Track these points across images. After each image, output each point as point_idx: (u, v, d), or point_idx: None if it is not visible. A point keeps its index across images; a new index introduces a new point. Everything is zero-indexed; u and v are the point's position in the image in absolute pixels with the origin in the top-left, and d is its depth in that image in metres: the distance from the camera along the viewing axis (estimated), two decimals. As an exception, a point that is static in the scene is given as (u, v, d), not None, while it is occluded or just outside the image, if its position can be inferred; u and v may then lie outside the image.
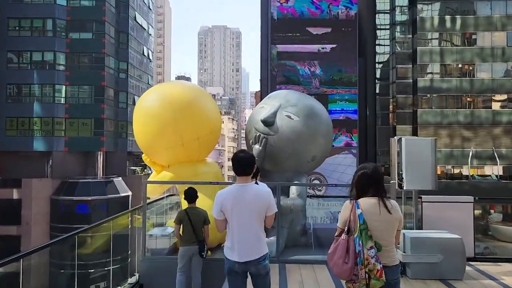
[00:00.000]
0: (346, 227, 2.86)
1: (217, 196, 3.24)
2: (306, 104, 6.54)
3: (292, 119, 6.34)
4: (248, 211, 3.17)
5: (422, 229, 5.91)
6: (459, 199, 6.34)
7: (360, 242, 2.76)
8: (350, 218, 2.85)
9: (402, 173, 5.25)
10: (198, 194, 6.18)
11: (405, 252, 5.06)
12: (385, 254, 2.79)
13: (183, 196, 5.26)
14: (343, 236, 2.84)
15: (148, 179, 6.80)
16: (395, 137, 5.31)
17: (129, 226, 6.49)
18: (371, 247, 2.75)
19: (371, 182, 2.91)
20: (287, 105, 6.45)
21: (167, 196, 7.76)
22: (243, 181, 3.26)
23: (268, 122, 6.32)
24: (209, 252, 5.97)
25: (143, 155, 6.81)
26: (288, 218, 6.23)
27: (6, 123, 33.36)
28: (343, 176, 23.05)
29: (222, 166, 77.88)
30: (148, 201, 7.31)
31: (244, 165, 3.25)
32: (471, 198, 6.33)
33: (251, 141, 6.57)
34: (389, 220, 2.83)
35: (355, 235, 2.79)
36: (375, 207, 2.84)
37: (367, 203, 2.87)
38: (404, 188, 5.28)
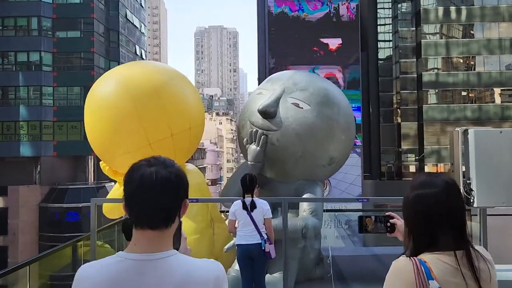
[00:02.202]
0: None
1: None
2: (320, 87, 4.78)
3: (301, 107, 4.59)
4: None
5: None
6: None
7: None
8: None
9: (470, 183, 3.50)
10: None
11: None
12: None
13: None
14: None
15: (109, 195, 5.08)
16: (459, 129, 3.57)
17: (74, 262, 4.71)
18: None
19: (444, 217, 1.42)
20: (293, 89, 4.70)
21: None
22: (152, 243, 1.26)
23: (268, 113, 4.57)
24: None
25: (100, 162, 5.09)
26: (299, 245, 4.49)
27: (-10, 128, 32.01)
28: (346, 177, 21.38)
29: (221, 168, 76.10)
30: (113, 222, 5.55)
31: (154, 195, 1.24)
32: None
33: (245, 139, 4.83)
34: None
35: None
36: (456, 274, 1.39)
37: (442, 266, 1.39)
38: (475, 204, 3.53)
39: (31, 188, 31.73)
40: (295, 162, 4.68)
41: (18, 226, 31.06)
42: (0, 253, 30.19)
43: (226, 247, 4.40)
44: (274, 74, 5.22)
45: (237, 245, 4.08)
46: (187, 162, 5.58)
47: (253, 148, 4.68)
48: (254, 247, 3.99)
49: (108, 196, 4.99)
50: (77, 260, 4.56)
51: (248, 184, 4.09)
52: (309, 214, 4.47)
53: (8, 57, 33.06)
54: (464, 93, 35.55)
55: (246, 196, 4.05)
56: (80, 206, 31.26)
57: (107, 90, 4.63)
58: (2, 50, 32.41)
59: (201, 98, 5.30)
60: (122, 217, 5.40)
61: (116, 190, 5.01)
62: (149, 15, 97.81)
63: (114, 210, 4.90)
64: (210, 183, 61.30)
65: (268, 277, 4.29)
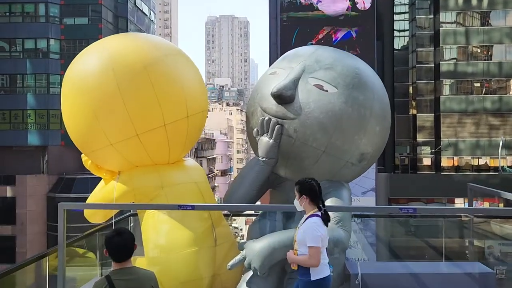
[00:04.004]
0: None
1: None
2: (350, 66, 3.83)
3: (326, 90, 3.67)
4: None
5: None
6: None
7: None
8: None
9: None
10: (167, 219, 3.60)
11: None
12: None
13: (107, 248, 2.51)
14: None
15: (91, 195, 4.27)
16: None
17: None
18: None
19: None
20: (316, 68, 3.77)
21: (130, 215, 5.19)
22: None
23: (284, 97, 3.66)
24: None
25: (82, 156, 4.27)
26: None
27: (-2, 116, 31.96)
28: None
29: (231, 159, 75.39)
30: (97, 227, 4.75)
31: None
32: None
33: (255, 130, 3.92)
34: None
35: None
36: None
37: None
38: None
39: (38, 178, 31.80)
40: (317, 158, 3.77)
41: (26, 216, 31.06)
42: (8, 242, 30.36)
43: (230, 263, 3.53)
44: (292, 50, 4.27)
45: (325, 278, 3.07)
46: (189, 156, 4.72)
47: (265, 140, 3.78)
48: (332, 276, 3.16)
49: (90, 197, 4.18)
50: (42, 277, 3.76)
51: (319, 192, 3.10)
52: (335, 224, 3.57)
53: (16, 44, 32.64)
54: (478, 84, 34.36)
55: (322, 208, 3.10)
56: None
57: (86, 66, 3.75)
58: (10, 37, 32.16)
59: (203, 80, 4.38)
60: (109, 220, 4.60)
61: (101, 190, 4.18)
62: (160, 4, 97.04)
63: (96, 213, 4.08)
64: (220, 174, 61.16)
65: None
